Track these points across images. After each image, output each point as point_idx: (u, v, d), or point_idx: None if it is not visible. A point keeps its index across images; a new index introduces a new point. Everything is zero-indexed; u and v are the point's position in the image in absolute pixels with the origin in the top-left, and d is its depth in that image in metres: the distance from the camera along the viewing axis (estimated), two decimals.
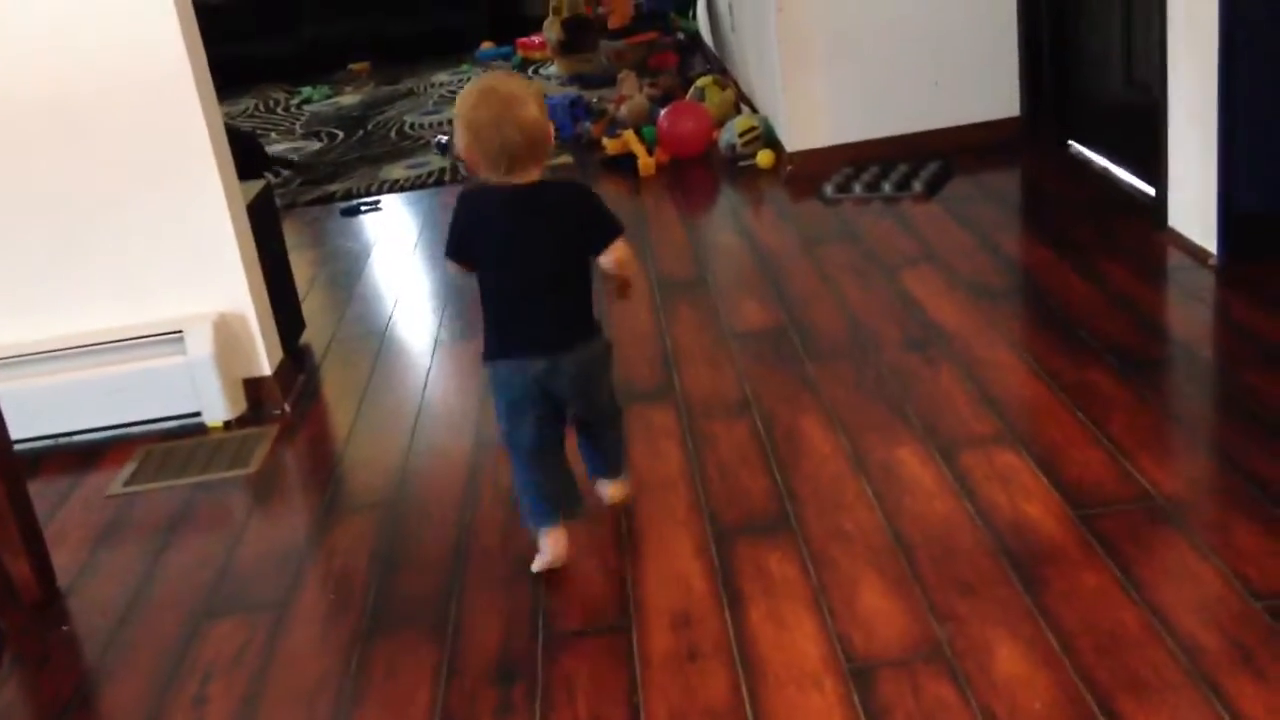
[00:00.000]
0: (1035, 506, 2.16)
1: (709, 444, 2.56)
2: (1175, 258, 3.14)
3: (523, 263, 2.08)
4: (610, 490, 2.35)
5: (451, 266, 2.17)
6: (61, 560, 2.45)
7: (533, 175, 2.05)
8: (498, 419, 2.19)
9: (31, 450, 2.93)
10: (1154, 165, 3.31)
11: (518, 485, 2.22)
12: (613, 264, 2.13)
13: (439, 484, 2.59)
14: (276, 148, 5.71)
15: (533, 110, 2.02)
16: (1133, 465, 2.24)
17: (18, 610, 2.31)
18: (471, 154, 2.04)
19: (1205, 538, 2.01)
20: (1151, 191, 3.39)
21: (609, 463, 2.33)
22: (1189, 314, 2.91)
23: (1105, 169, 3.78)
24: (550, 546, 2.18)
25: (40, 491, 2.71)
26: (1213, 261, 3.02)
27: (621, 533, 2.29)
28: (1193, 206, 3.12)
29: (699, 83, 5.05)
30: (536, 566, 2.19)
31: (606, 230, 2.12)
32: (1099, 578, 1.95)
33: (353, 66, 7.46)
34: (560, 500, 2.20)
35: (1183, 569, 1.95)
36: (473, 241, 2.11)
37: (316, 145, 5.75)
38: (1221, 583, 1.89)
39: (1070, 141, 4.05)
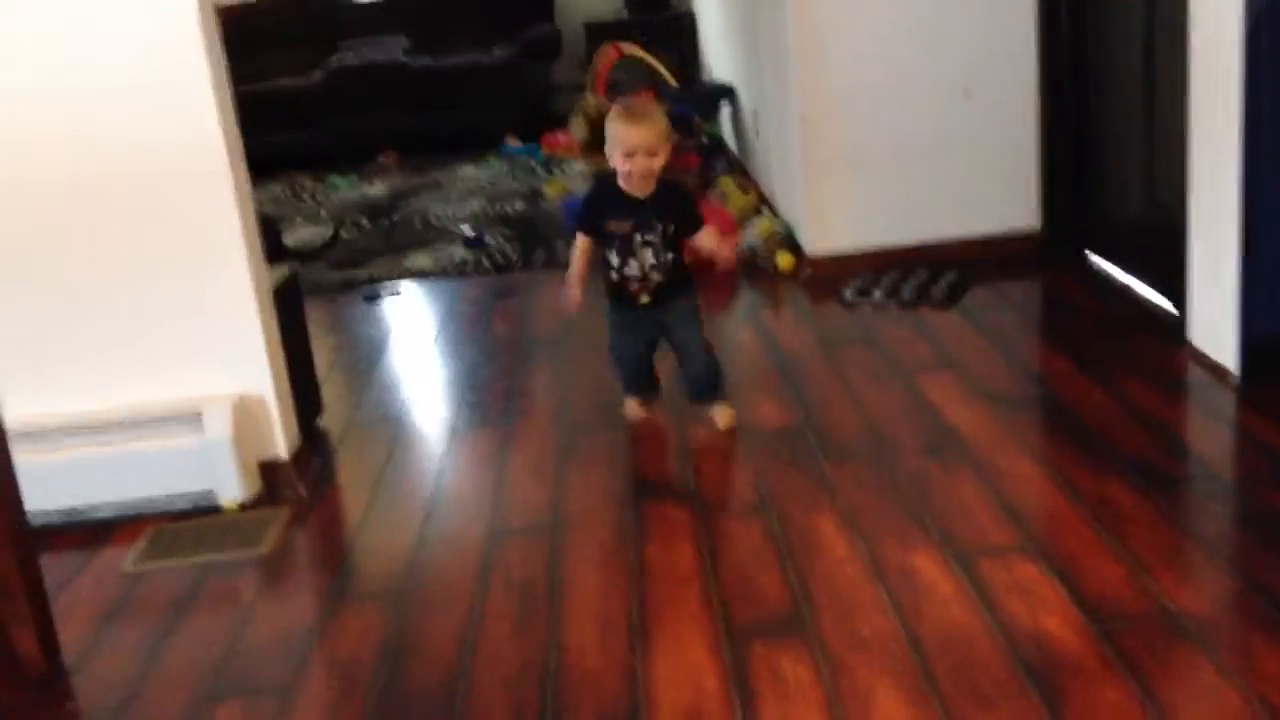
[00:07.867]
0: (1054, 619, 2.13)
1: (724, 542, 2.55)
2: (1195, 375, 3.14)
3: None
4: (714, 412, 3.14)
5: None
6: (68, 636, 2.43)
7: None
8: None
9: (45, 524, 2.92)
10: (1174, 283, 3.33)
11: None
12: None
13: (450, 574, 2.57)
14: (302, 232, 5.78)
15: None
16: (1153, 581, 2.22)
17: (22, 686, 2.29)
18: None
19: (1227, 658, 1.98)
20: (1172, 308, 3.40)
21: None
22: (1209, 431, 2.90)
23: (1125, 284, 3.80)
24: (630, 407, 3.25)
25: (51, 566, 2.70)
26: (1233, 380, 3.01)
27: (634, 627, 2.27)
28: (1213, 325, 3.12)
29: (721, 185, 5.11)
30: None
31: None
32: (1119, 694, 1.92)
33: (381, 157, 7.57)
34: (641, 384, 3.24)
35: (1204, 689, 1.92)
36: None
37: (343, 232, 5.82)
38: (1244, 705, 1.86)
39: (1090, 255, 4.08)
